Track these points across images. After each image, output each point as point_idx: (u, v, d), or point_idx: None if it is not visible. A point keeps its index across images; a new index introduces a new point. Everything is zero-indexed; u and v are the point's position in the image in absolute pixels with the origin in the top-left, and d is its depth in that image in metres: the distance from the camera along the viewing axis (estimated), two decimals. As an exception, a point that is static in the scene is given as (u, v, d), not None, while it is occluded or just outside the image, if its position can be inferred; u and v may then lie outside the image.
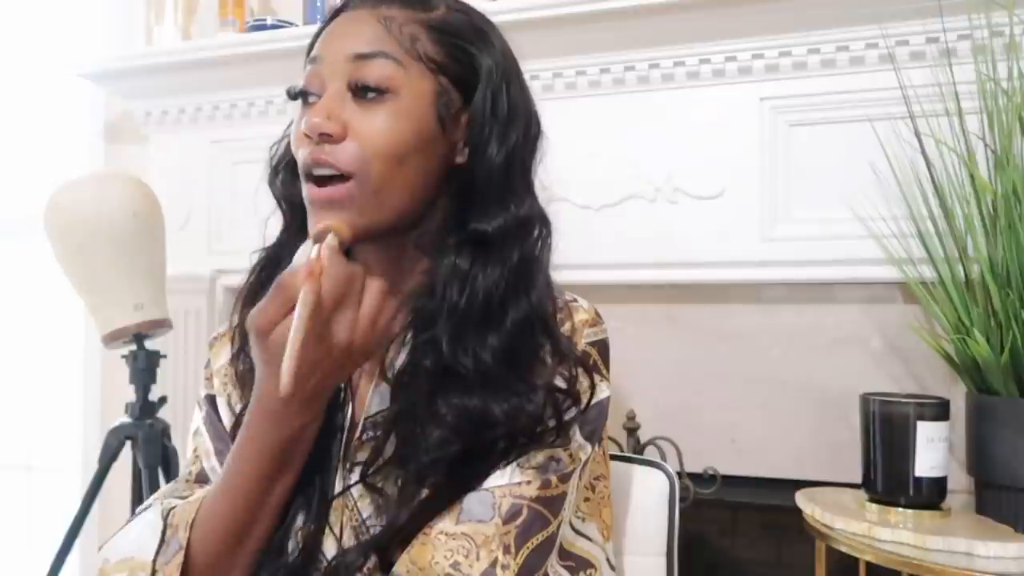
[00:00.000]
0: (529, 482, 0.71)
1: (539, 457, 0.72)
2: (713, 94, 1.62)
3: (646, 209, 1.66)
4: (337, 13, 0.78)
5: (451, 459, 0.70)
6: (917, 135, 1.42)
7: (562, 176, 1.70)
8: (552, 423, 0.72)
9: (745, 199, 1.59)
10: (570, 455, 0.74)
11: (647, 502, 0.96)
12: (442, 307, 0.72)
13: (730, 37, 1.57)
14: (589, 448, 0.76)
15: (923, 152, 1.42)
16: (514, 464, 0.71)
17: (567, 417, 0.74)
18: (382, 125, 0.71)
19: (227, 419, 0.84)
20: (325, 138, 0.71)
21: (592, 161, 1.68)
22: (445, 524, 0.69)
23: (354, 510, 0.75)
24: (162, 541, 0.74)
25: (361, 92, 0.72)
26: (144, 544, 0.75)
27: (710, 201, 1.62)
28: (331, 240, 0.67)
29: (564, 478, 0.73)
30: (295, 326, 0.61)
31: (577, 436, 0.75)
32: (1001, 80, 1.34)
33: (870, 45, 1.49)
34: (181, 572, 0.71)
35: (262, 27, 1.92)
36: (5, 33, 2.50)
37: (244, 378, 0.81)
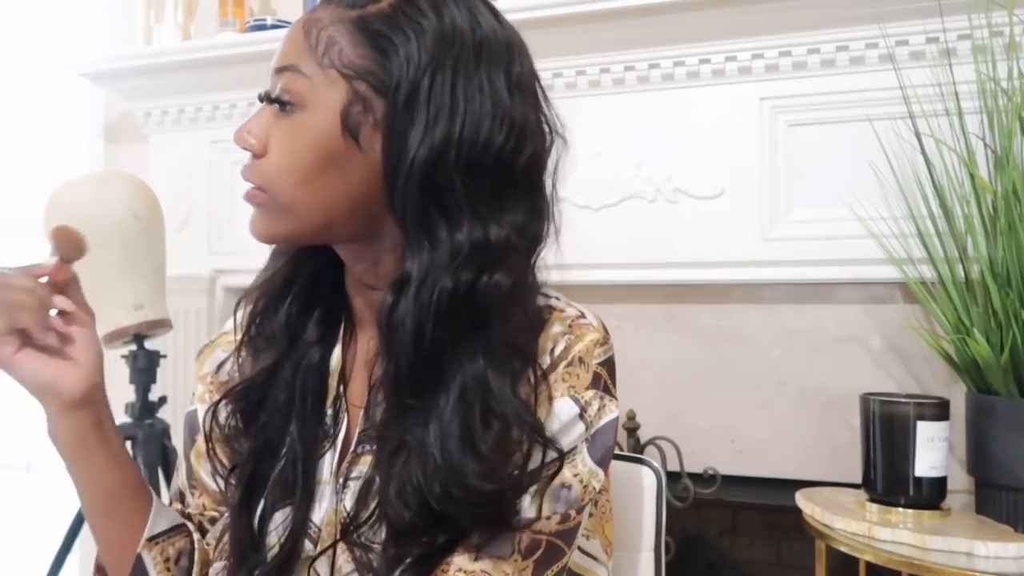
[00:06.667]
0: (549, 517, 0.69)
1: (552, 485, 0.69)
2: (713, 94, 1.62)
3: (646, 209, 1.66)
4: None
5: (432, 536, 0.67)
6: (917, 135, 1.42)
7: (562, 176, 1.71)
8: (515, 504, 0.67)
9: (745, 199, 1.59)
10: (582, 482, 0.71)
11: (635, 499, 0.96)
12: (387, 364, 0.68)
13: (730, 37, 1.57)
14: (601, 474, 0.72)
15: (923, 152, 1.42)
16: (528, 495, 0.68)
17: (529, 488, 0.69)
18: (286, 144, 0.69)
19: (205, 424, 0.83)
20: (250, 152, 0.71)
21: (592, 161, 1.68)
22: (463, 561, 0.67)
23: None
24: None
25: (281, 107, 0.70)
26: None
27: (710, 201, 1.62)
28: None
29: (580, 509, 0.71)
30: None
31: (588, 461, 0.72)
32: (1001, 80, 1.34)
33: (870, 45, 1.49)
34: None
35: (262, 27, 1.92)
36: (5, 33, 2.50)
37: (244, 363, 0.80)
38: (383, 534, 0.69)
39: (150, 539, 0.77)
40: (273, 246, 0.81)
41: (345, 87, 0.67)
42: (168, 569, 0.78)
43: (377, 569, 0.69)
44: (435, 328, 0.65)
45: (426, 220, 0.66)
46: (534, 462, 0.67)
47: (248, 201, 0.72)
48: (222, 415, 0.78)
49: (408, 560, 0.68)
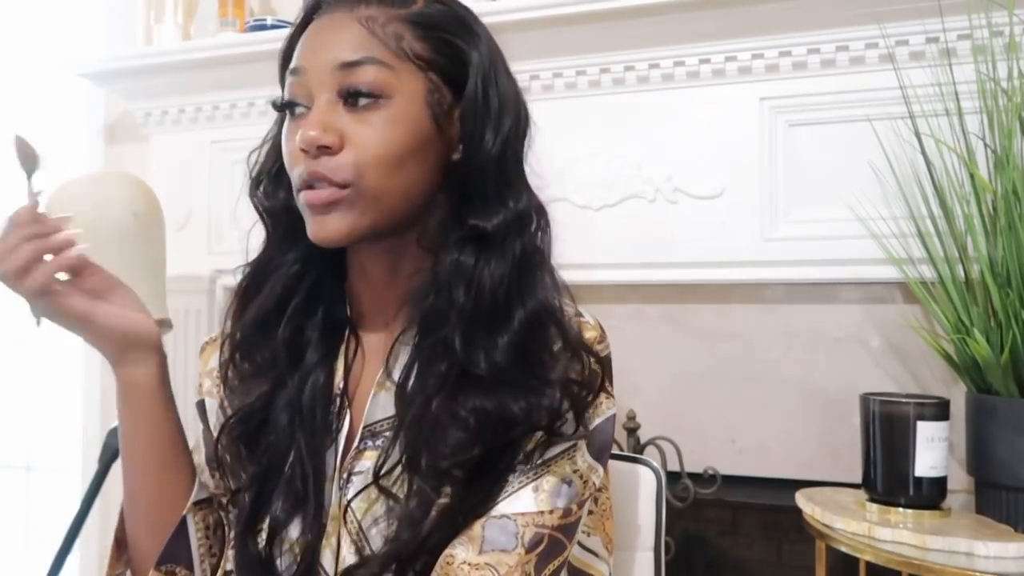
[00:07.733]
0: (551, 511, 0.71)
1: (552, 480, 0.71)
2: (713, 94, 1.62)
3: (646, 209, 1.66)
4: (310, 16, 0.76)
5: (471, 463, 0.69)
6: (917, 135, 1.42)
7: (562, 176, 1.71)
8: (570, 415, 0.72)
9: (745, 199, 1.59)
10: (581, 477, 0.73)
11: (635, 498, 0.97)
12: (450, 307, 0.72)
13: (730, 37, 1.57)
14: (600, 470, 0.76)
15: (923, 152, 1.42)
16: (529, 488, 0.70)
17: (587, 409, 0.74)
18: (378, 133, 0.70)
19: (215, 422, 0.83)
20: (323, 151, 0.70)
21: (592, 161, 1.68)
22: (468, 554, 0.68)
23: (353, 521, 0.73)
24: None
25: (353, 100, 0.71)
26: None
27: (710, 201, 1.62)
28: None
29: (581, 504, 0.73)
30: None
31: (587, 456, 0.74)
32: (1001, 80, 1.34)
33: (870, 45, 1.49)
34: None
35: (262, 27, 1.92)
36: (5, 33, 2.50)
37: (232, 387, 0.81)
38: (411, 485, 0.71)
39: (196, 503, 0.79)
40: (249, 261, 0.82)
41: (422, 77, 0.73)
42: (207, 537, 0.80)
43: (406, 515, 0.70)
44: (511, 276, 0.73)
45: (501, 191, 0.75)
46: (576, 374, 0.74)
47: (318, 204, 0.71)
48: (224, 441, 0.79)
49: (443, 499, 0.69)
